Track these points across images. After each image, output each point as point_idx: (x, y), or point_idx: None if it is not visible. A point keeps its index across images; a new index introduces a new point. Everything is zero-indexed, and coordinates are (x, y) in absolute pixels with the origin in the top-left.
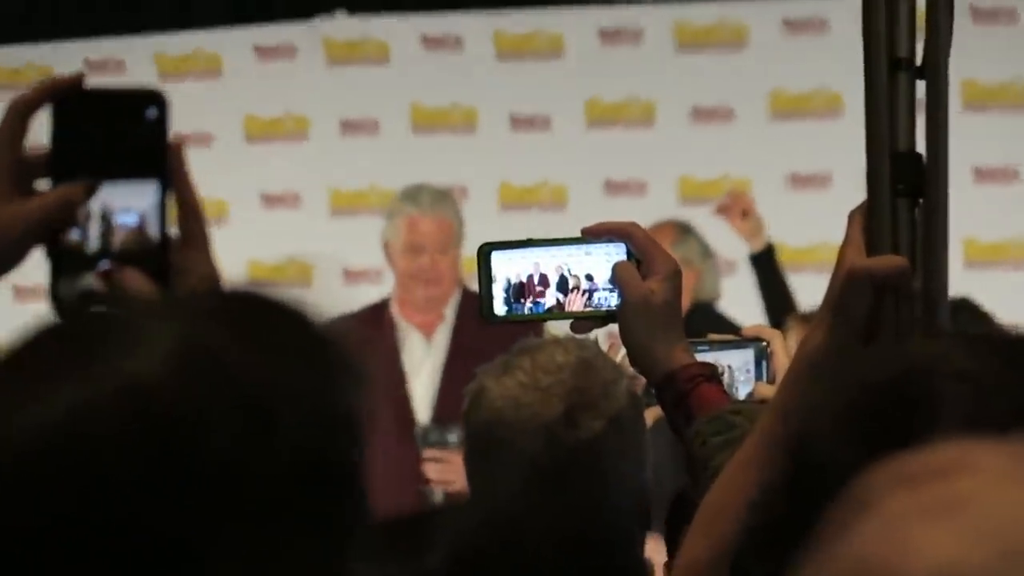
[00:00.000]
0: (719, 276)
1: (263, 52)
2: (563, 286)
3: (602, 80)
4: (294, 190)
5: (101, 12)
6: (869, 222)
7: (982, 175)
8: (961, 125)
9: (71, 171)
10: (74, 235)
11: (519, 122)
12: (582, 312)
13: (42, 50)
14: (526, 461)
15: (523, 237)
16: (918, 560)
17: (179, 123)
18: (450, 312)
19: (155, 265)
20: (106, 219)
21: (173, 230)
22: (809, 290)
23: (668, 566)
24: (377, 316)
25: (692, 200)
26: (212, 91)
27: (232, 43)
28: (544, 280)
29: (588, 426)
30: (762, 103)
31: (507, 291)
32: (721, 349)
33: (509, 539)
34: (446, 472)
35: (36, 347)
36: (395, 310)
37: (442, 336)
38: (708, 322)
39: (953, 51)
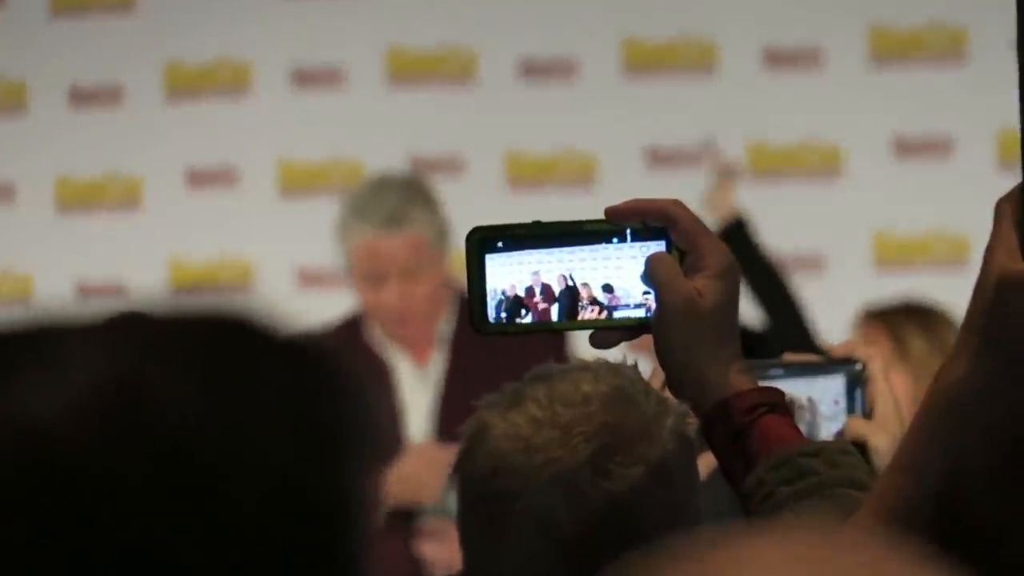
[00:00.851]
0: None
1: None
2: (570, 302)
3: (643, 15)
4: (230, 163)
5: None
6: None
7: None
8: None
9: None
10: None
11: (532, 69)
12: (603, 320)
13: None
14: (539, 524)
15: (532, 220)
16: None
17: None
18: (445, 328)
19: None
20: None
21: None
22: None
23: None
24: (350, 337)
25: (767, 173)
26: (122, 30)
27: None
28: (548, 292)
29: (622, 475)
30: (860, 44)
31: (499, 306)
32: (801, 374)
33: None
34: (449, 550)
35: None
36: (374, 328)
37: (438, 362)
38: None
39: None
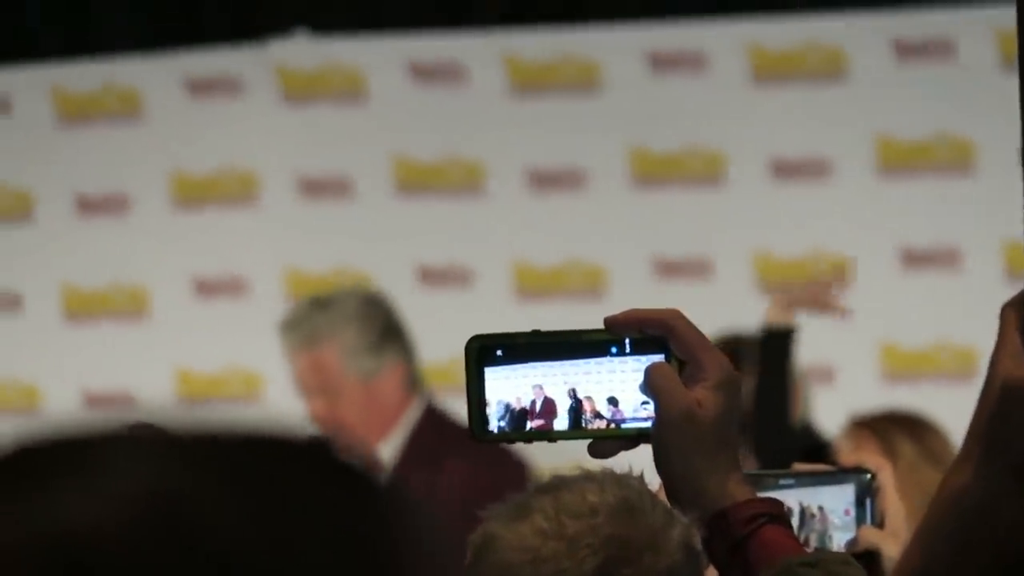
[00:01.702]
0: (808, 392)
1: (196, 87)
2: (575, 416)
3: (649, 123)
4: (237, 272)
5: None
6: None
7: None
8: None
9: None
10: None
11: (540, 180)
12: (604, 431)
13: None
14: None
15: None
16: None
17: (84, 181)
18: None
19: None
20: None
21: None
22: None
23: None
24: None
25: (776, 285)
26: (128, 139)
27: (155, 75)
28: (550, 406)
29: None
30: (868, 155)
31: (501, 417)
32: (812, 484)
33: None
34: None
35: None
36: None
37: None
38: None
39: None
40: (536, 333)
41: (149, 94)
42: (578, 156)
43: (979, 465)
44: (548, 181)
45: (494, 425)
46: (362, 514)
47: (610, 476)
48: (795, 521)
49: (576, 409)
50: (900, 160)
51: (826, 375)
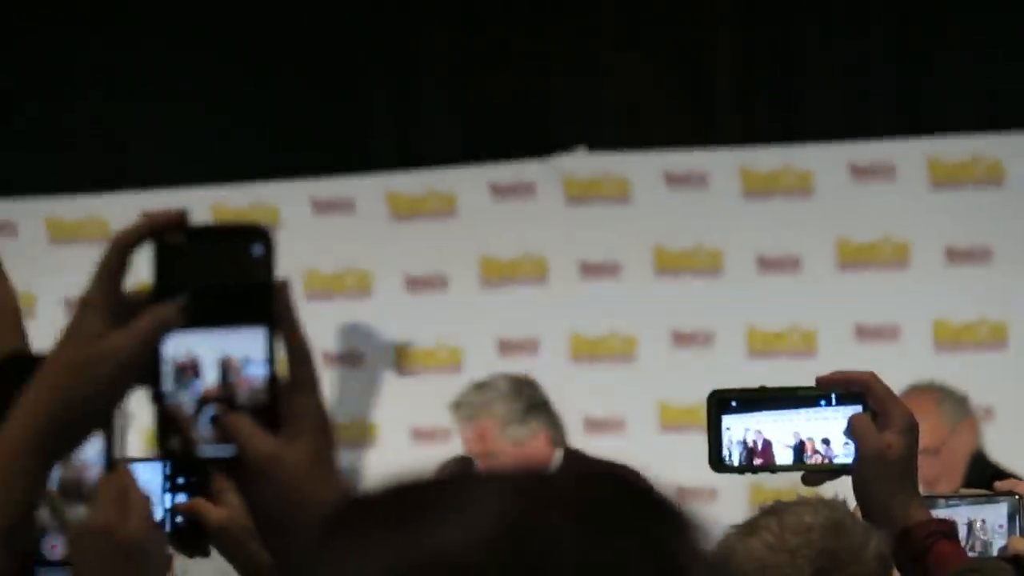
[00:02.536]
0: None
1: (499, 190)
2: (799, 452)
3: (669, 228)
4: (532, 335)
5: (327, 151)
6: None
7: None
8: None
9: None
10: (176, 384)
11: (588, 270)
12: (815, 465)
13: (231, 191)
14: None
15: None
16: None
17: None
18: None
19: (267, 412)
20: (226, 368)
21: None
22: None
23: None
24: None
25: (760, 354)
26: (446, 231)
27: (467, 181)
28: (767, 445)
29: None
30: (830, 252)
31: (738, 453)
32: (973, 504)
33: None
34: None
35: (371, 501)
36: None
37: None
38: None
39: None
40: (762, 389)
41: (462, 195)
42: (615, 252)
43: None
44: (594, 271)
45: (728, 459)
46: (670, 532)
47: (821, 501)
48: (963, 532)
49: (799, 448)
50: (855, 257)
51: None
